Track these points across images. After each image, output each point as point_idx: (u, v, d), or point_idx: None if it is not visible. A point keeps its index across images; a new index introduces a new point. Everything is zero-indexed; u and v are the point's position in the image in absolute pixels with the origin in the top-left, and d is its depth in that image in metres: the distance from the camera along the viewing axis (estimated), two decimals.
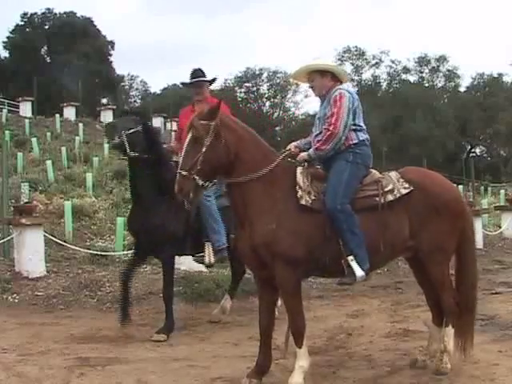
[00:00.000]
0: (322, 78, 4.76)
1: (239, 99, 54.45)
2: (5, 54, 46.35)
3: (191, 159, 4.21)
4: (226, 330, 6.37)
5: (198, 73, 6.40)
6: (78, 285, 7.69)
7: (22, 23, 46.77)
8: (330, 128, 4.56)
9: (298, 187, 4.44)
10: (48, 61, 46.36)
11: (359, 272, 4.43)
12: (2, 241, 8.63)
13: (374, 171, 4.77)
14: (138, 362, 5.16)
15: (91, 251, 9.02)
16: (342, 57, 53.28)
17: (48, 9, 47.54)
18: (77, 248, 9.17)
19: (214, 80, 6.54)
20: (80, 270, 8.35)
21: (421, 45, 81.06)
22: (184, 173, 4.20)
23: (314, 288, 8.52)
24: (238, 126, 4.52)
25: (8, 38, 45.90)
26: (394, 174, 4.72)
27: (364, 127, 4.75)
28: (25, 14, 46.90)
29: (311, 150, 4.65)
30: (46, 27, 47.17)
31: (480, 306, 7.29)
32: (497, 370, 4.75)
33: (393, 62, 52.40)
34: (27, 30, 46.46)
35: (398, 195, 4.57)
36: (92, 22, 48.00)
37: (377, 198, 4.55)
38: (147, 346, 5.67)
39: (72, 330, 6.25)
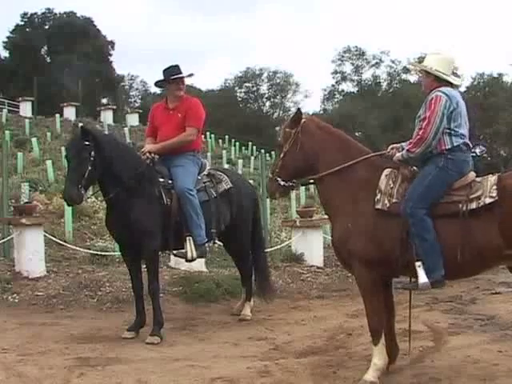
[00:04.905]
0: (427, 78, 4.66)
1: (239, 99, 54.47)
2: (5, 53, 46.46)
3: (275, 163, 4.87)
4: (226, 330, 6.36)
5: (176, 69, 6.41)
6: (77, 285, 7.66)
7: (22, 23, 46.81)
8: (420, 132, 4.46)
9: (378, 190, 4.47)
10: (48, 61, 46.36)
11: (422, 279, 4.36)
12: (2, 241, 8.62)
13: (469, 174, 4.52)
14: (138, 362, 5.15)
15: (91, 251, 9.00)
16: (342, 57, 53.40)
17: (48, 9, 47.68)
18: (77, 248, 9.15)
19: (190, 75, 6.64)
20: (80, 270, 8.33)
21: (421, 45, 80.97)
22: (270, 175, 4.90)
23: (314, 288, 8.51)
24: (319, 130, 4.77)
25: (8, 37, 45.95)
26: (492, 179, 4.38)
27: (462, 132, 4.54)
28: (25, 13, 47.01)
29: (404, 151, 4.59)
30: (46, 27, 47.20)
31: (480, 306, 7.35)
32: (497, 370, 4.73)
33: (393, 61, 52.51)
34: (27, 30, 46.47)
35: (481, 204, 4.27)
36: (92, 21, 48.06)
37: (459, 205, 4.31)
38: (147, 346, 5.66)
39: (72, 330, 6.23)
